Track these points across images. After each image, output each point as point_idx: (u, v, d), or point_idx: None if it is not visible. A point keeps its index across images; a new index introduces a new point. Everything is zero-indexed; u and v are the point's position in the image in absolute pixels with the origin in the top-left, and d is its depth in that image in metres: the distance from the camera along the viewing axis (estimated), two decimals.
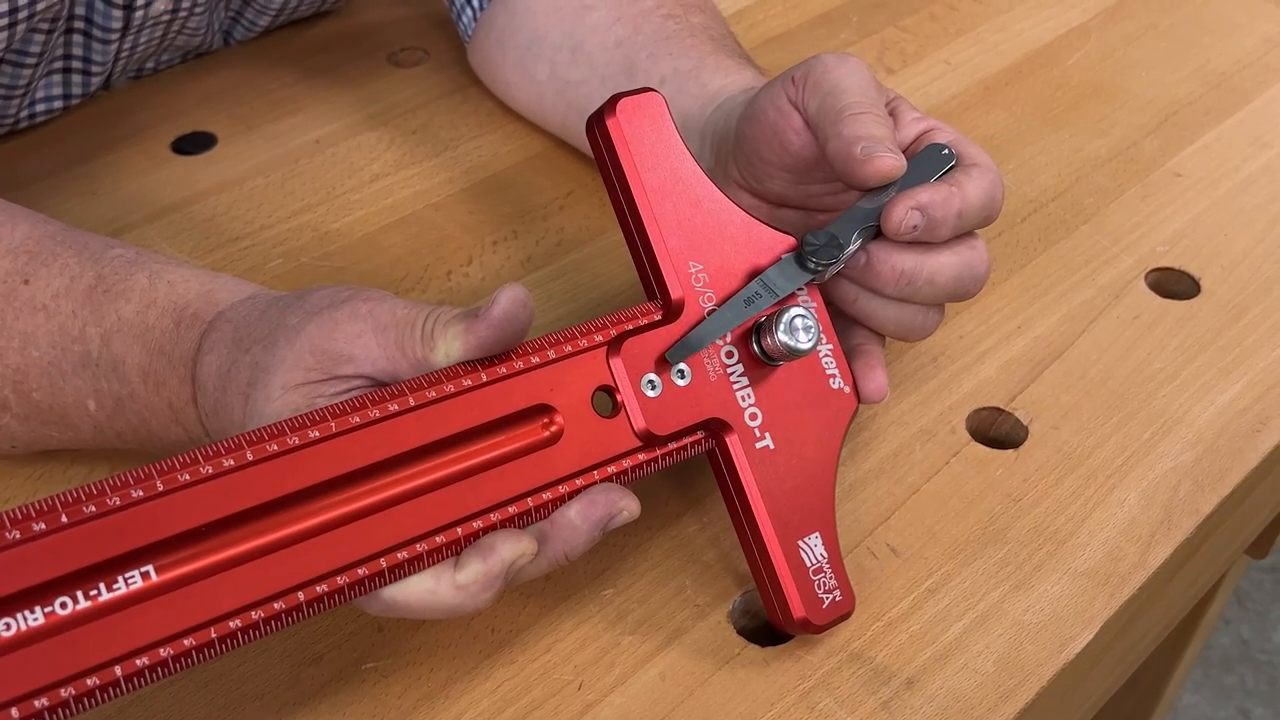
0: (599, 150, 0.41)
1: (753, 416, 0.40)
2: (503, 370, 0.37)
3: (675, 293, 0.40)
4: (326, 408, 0.35)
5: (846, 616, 0.41)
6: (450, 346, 0.36)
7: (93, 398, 0.42)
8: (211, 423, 0.40)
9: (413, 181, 0.62)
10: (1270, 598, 1.51)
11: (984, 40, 0.73)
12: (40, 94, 0.62)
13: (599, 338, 0.39)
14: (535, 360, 0.38)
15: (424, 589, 0.35)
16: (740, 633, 0.42)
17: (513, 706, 0.40)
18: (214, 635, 0.32)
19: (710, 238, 0.41)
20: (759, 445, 0.40)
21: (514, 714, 0.40)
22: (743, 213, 0.42)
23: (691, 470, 0.47)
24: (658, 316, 0.40)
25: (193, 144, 0.64)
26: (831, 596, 0.40)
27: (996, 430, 0.50)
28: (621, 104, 0.41)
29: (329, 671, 0.41)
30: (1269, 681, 1.42)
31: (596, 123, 0.41)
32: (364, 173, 0.62)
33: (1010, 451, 0.48)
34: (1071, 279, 0.57)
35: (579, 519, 0.37)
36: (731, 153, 0.48)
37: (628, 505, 0.38)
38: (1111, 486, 0.47)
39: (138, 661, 0.31)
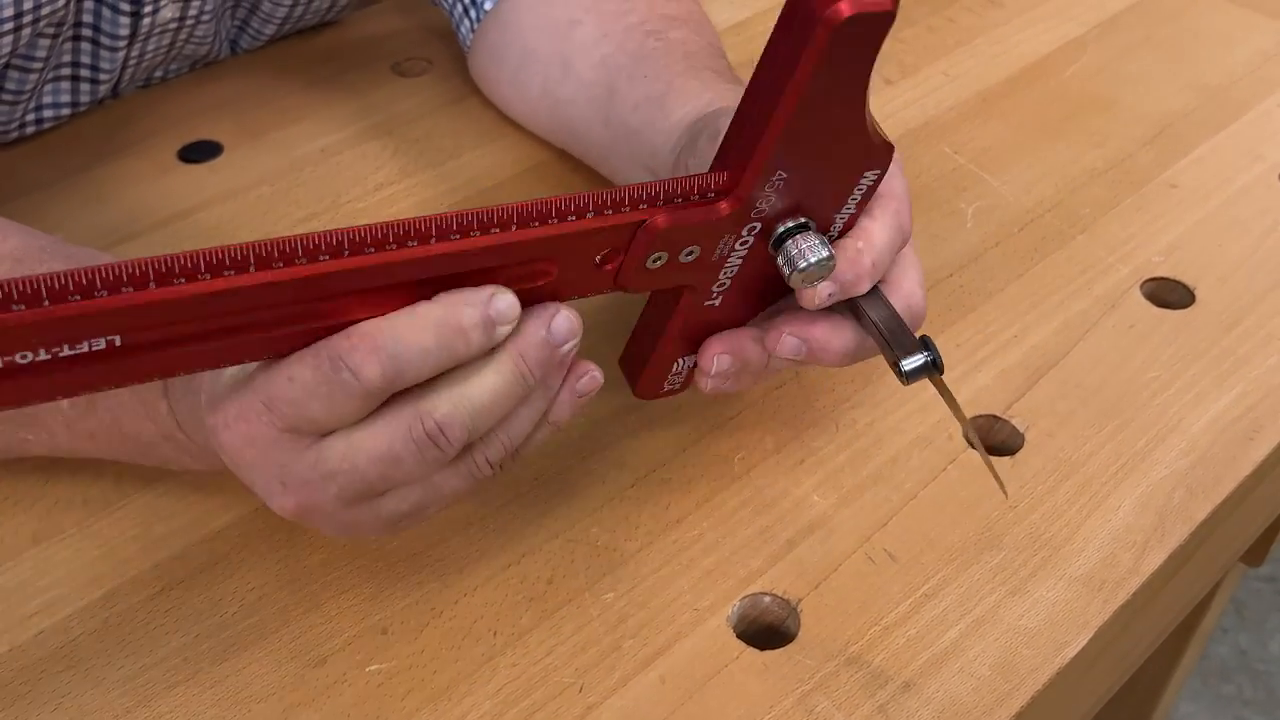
0: (790, 25, 0.36)
1: (720, 285, 0.41)
2: (521, 233, 0.36)
3: (747, 189, 0.38)
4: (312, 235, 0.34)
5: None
6: None
7: None
8: (181, 406, 0.40)
9: (416, 190, 0.62)
10: (1268, 607, 1.52)
11: (981, 52, 0.74)
12: (48, 100, 0.62)
13: (642, 210, 0.37)
14: (569, 225, 0.36)
15: (404, 311, 0.35)
16: (739, 637, 0.43)
17: (515, 708, 0.40)
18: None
19: (818, 162, 0.39)
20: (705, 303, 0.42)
21: (516, 716, 0.40)
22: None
23: (693, 476, 0.48)
24: (713, 192, 0.38)
25: (198, 152, 0.65)
26: None
27: (993, 438, 0.51)
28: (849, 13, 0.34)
29: (333, 673, 0.41)
30: (1266, 691, 1.42)
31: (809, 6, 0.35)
32: (368, 181, 0.63)
33: (1006, 458, 0.49)
34: (1068, 288, 0.57)
35: (527, 318, 0.37)
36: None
37: (565, 310, 0.38)
38: (1106, 493, 0.48)
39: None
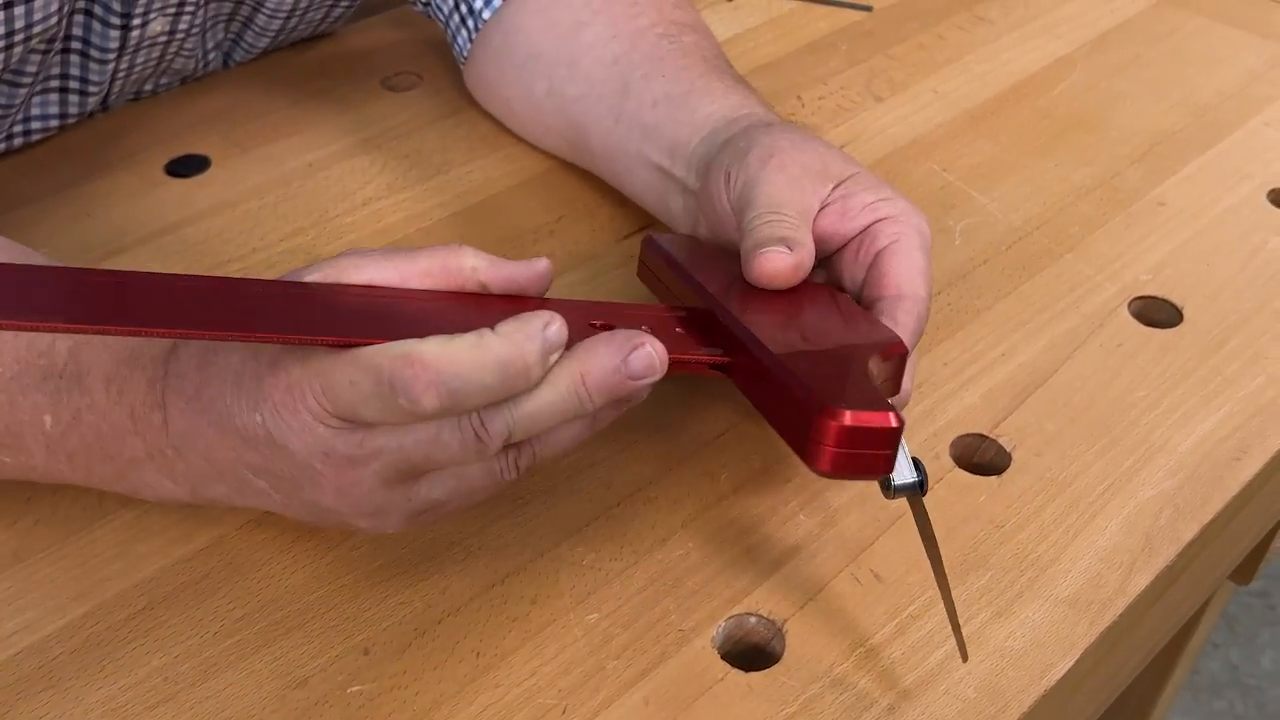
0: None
1: None
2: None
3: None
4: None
5: None
6: (479, 260, 0.38)
7: (50, 412, 0.41)
8: (179, 419, 0.40)
9: (404, 205, 0.62)
10: (1259, 622, 1.51)
11: (971, 69, 0.74)
12: (36, 112, 0.62)
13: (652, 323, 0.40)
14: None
15: (469, 342, 0.34)
16: (724, 658, 0.42)
17: None
18: None
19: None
20: None
21: None
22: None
23: (679, 496, 0.48)
24: (714, 360, 0.40)
25: (186, 166, 0.64)
26: None
27: (980, 457, 0.51)
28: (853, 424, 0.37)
29: (315, 694, 0.41)
30: (1257, 706, 1.42)
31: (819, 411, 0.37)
32: (356, 196, 0.63)
33: (994, 478, 0.49)
34: (1055, 307, 0.57)
35: (600, 341, 0.36)
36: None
37: (650, 342, 0.36)
38: (1093, 514, 0.47)
39: None
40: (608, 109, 0.58)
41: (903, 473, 0.40)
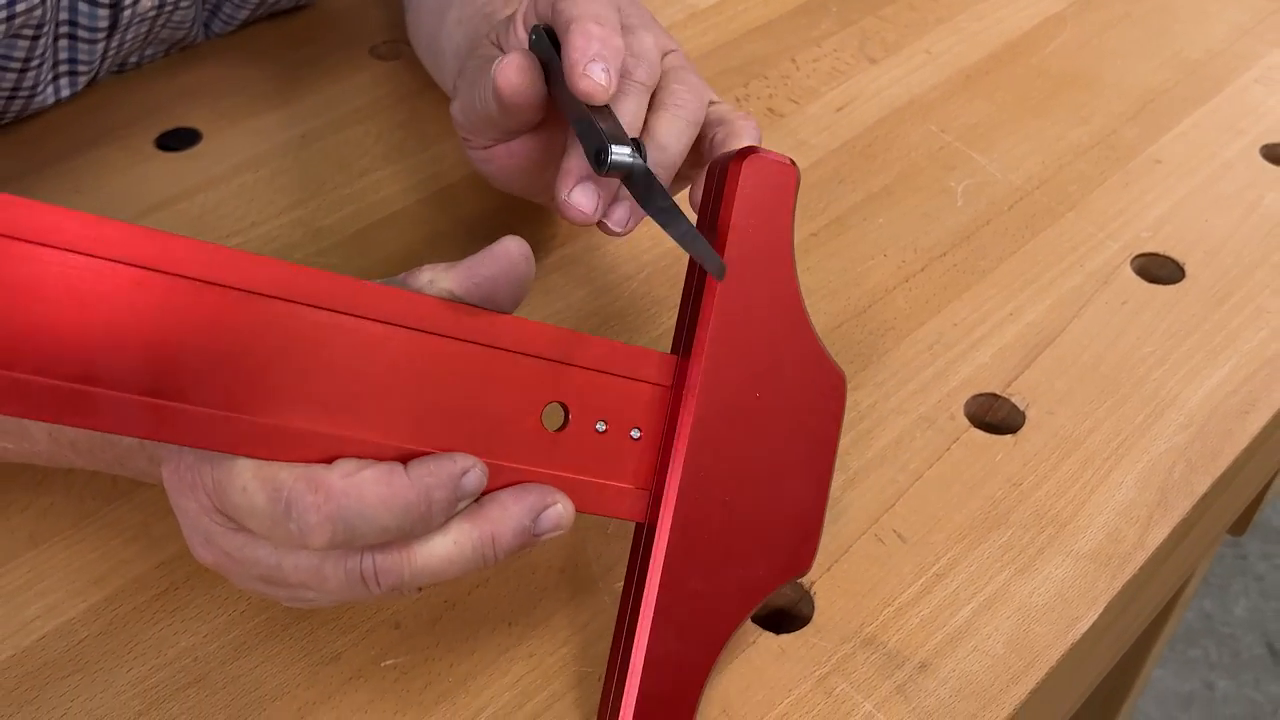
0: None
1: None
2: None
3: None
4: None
5: None
6: (438, 275, 0.35)
7: None
8: None
9: (402, 176, 0.61)
10: (1231, 571, 1.55)
11: (963, 29, 0.74)
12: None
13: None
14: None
15: (377, 477, 0.32)
16: (754, 620, 0.43)
17: (534, 700, 0.40)
18: None
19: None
20: None
21: (535, 707, 0.40)
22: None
23: None
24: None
25: (177, 140, 0.63)
26: None
27: (994, 415, 0.51)
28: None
29: (348, 669, 0.41)
30: (1232, 654, 1.45)
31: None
32: (353, 167, 0.62)
33: (1009, 436, 0.49)
34: (1060, 265, 0.57)
35: (511, 499, 0.35)
36: None
37: (561, 500, 0.36)
38: (1109, 469, 0.48)
39: None
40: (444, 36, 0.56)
41: (620, 146, 0.37)
